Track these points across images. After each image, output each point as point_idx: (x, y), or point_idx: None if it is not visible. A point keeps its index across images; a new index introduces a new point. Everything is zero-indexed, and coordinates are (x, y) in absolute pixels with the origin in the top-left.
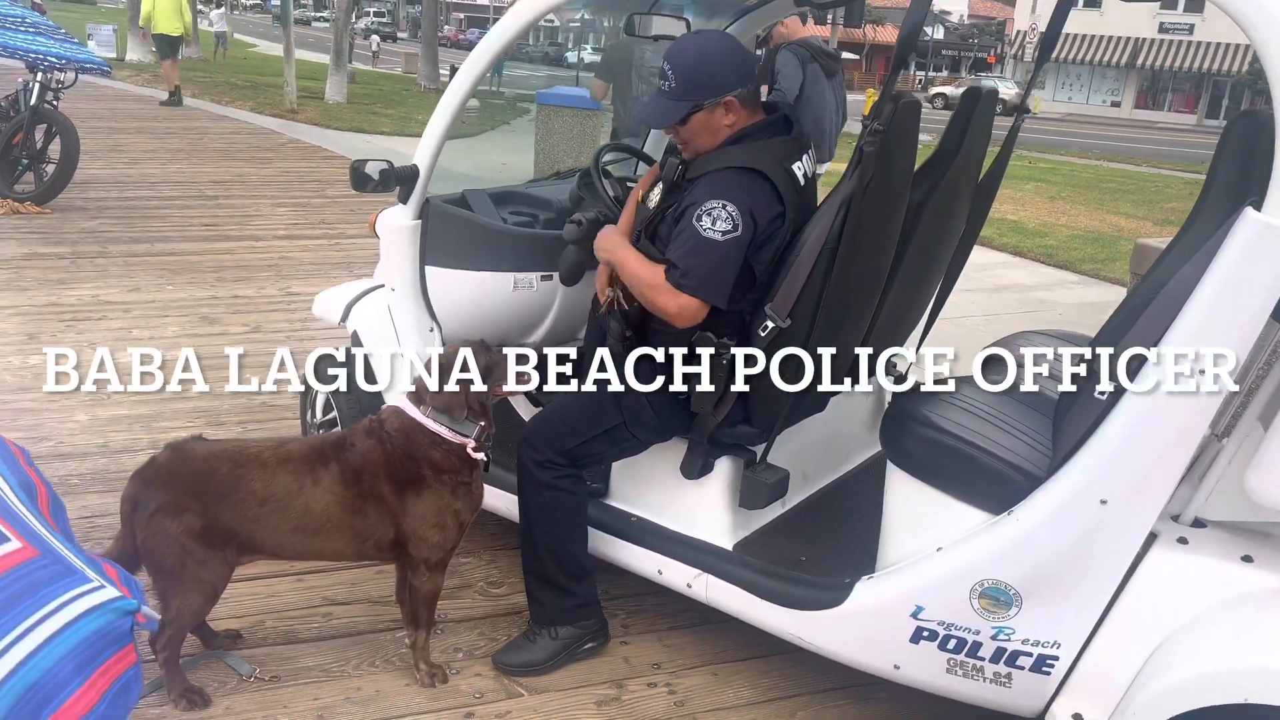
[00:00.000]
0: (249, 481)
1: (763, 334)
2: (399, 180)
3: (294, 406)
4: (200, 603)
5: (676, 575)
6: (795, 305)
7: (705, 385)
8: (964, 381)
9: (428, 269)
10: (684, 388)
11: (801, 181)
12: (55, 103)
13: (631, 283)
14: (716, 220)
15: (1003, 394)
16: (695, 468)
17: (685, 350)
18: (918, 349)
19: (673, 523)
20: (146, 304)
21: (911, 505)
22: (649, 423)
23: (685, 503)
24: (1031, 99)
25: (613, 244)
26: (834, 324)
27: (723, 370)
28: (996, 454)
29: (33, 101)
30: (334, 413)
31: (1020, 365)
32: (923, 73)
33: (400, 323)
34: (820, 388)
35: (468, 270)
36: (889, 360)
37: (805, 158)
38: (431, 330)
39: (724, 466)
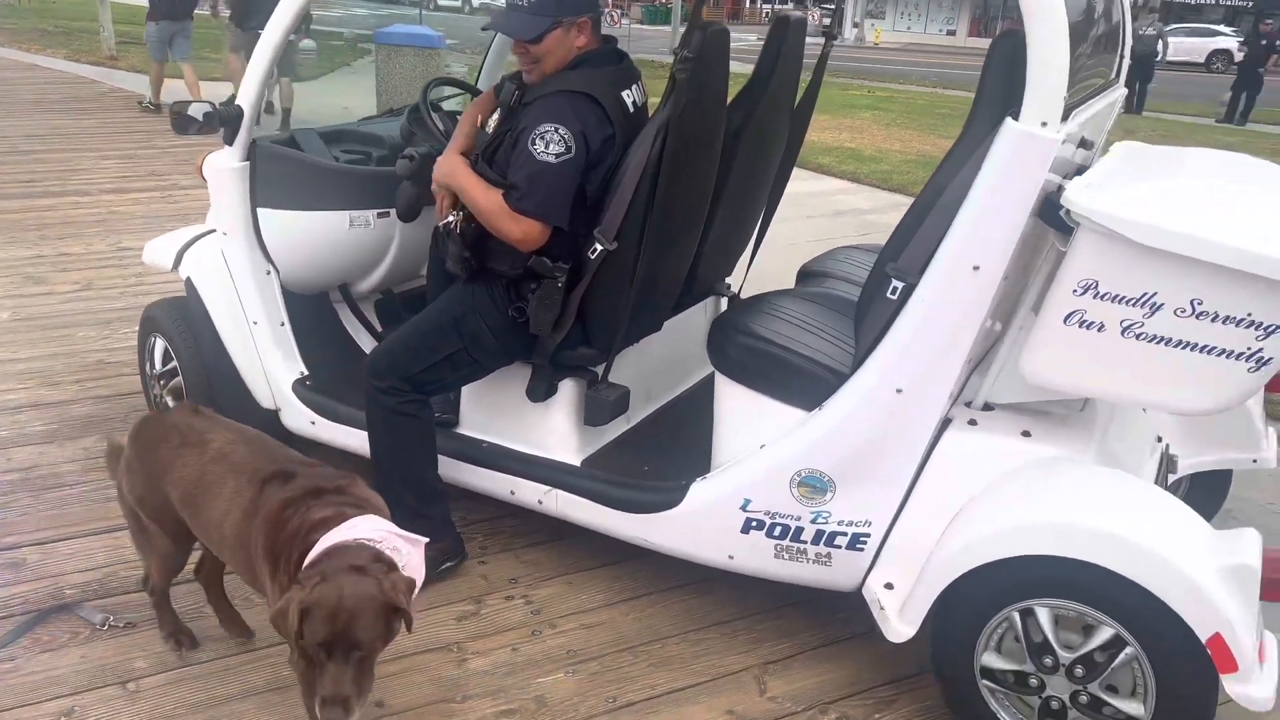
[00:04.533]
0: (182, 462)
1: (592, 256)
2: (223, 121)
3: (131, 362)
4: (157, 563)
5: (528, 493)
6: (621, 228)
7: (543, 309)
8: (783, 293)
9: (260, 211)
10: (521, 313)
11: (631, 109)
12: None
13: (475, 208)
14: (550, 143)
15: (816, 302)
16: (540, 390)
17: (521, 273)
18: (747, 269)
19: (522, 445)
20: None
21: (737, 408)
22: (489, 347)
23: (533, 425)
24: (872, 31)
25: (452, 167)
26: (660, 246)
27: (557, 293)
28: (807, 355)
29: None
30: (174, 362)
31: (832, 276)
32: (769, 5)
33: (235, 267)
34: (653, 309)
35: (301, 210)
36: (722, 283)
37: (635, 87)
38: (269, 273)
39: (568, 388)
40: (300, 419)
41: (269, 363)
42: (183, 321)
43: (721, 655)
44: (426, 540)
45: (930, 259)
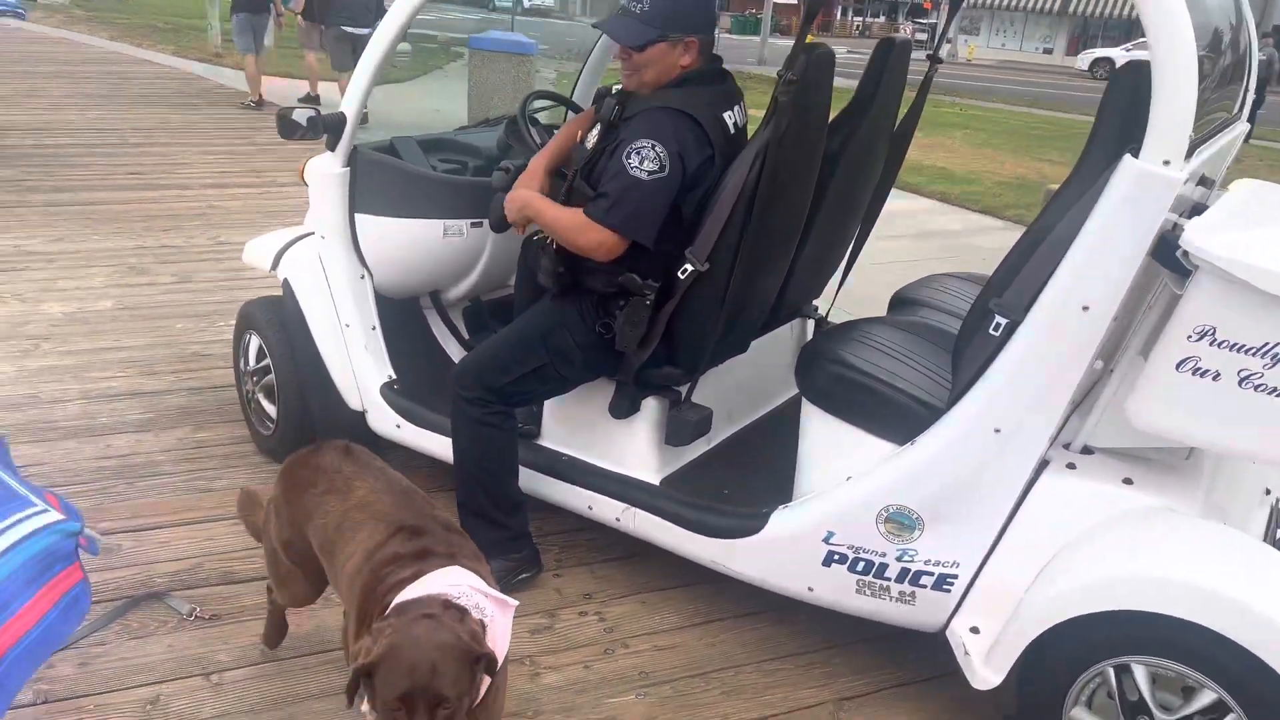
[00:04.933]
0: (325, 510)
1: (682, 276)
2: (326, 128)
3: (225, 355)
4: (288, 597)
5: (606, 510)
6: (714, 250)
7: (630, 326)
8: (875, 321)
9: (357, 216)
10: (609, 330)
11: (731, 130)
12: None
13: (550, 228)
14: (645, 159)
15: (910, 332)
16: (623, 407)
17: (613, 291)
18: (836, 292)
19: (602, 460)
20: (71, 254)
21: (823, 438)
22: (575, 362)
23: (614, 441)
24: (966, 47)
25: (524, 200)
26: (752, 268)
27: (645, 310)
28: (900, 388)
29: None
30: (267, 359)
31: (927, 305)
32: (860, 18)
33: (331, 270)
34: (740, 330)
35: (397, 218)
36: (810, 306)
37: (737, 108)
38: (362, 278)
39: (651, 406)
40: (386, 422)
41: (359, 365)
42: (277, 321)
43: (796, 687)
44: (517, 603)
45: (1037, 296)
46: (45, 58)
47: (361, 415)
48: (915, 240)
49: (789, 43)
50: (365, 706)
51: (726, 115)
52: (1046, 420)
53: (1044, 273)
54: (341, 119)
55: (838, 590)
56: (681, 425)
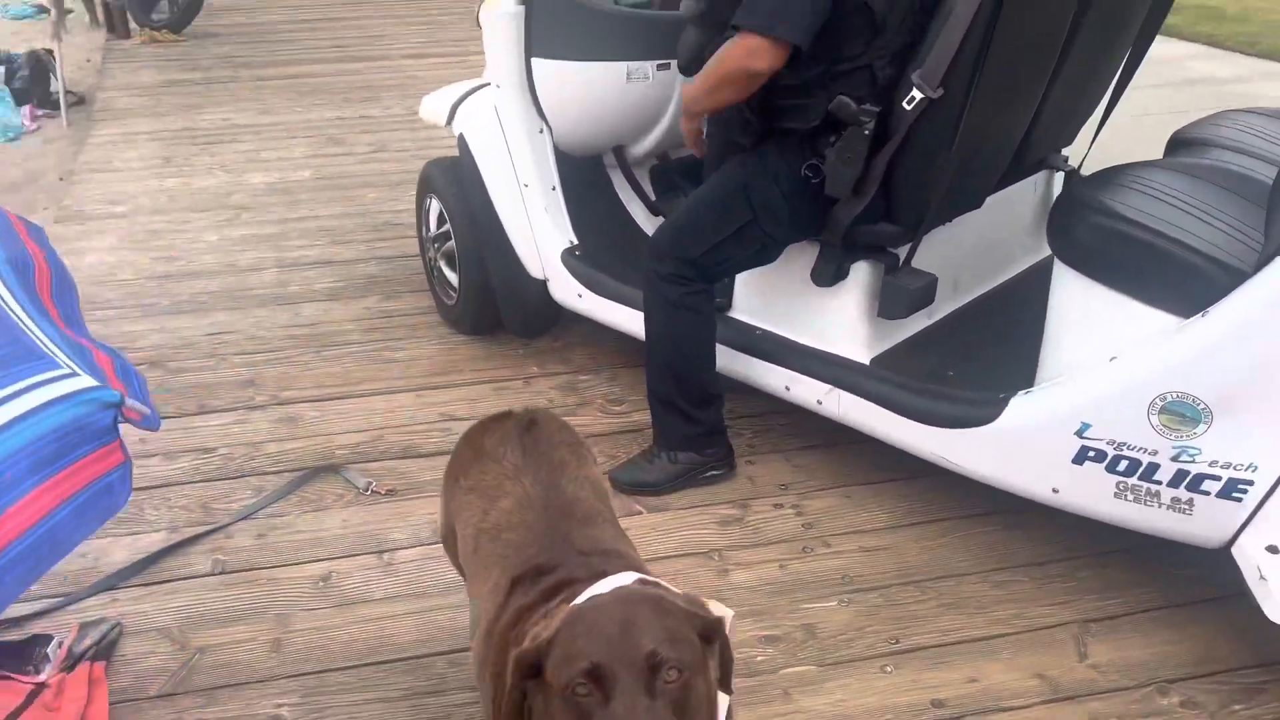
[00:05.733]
0: (467, 516)
1: (908, 106)
2: None
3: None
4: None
5: (806, 391)
6: (948, 73)
7: (843, 164)
8: (1151, 165)
9: (533, 61)
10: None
11: None
12: None
13: (709, 88)
14: None
15: (1199, 176)
16: (828, 273)
17: (819, 125)
18: (1092, 141)
19: (803, 336)
20: (275, 126)
21: (1082, 307)
22: (782, 217)
23: (818, 313)
24: None
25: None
26: (995, 99)
27: (862, 143)
28: (1188, 244)
29: None
30: (447, 225)
31: (1219, 145)
32: None
33: (508, 124)
34: (974, 180)
35: (575, 61)
36: (1059, 156)
37: None
38: (541, 132)
39: (861, 272)
40: (567, 291)
41: (539, 229)
42: (456, 182)
43: (1030, 604)
44: (733, 614)
45: None
46: None
47: (543, 284)
48: (1176, 90)
49: None
50: None
51: None
52: None
53: None
54: None
55: (1091, 493)
56: (898, 294)
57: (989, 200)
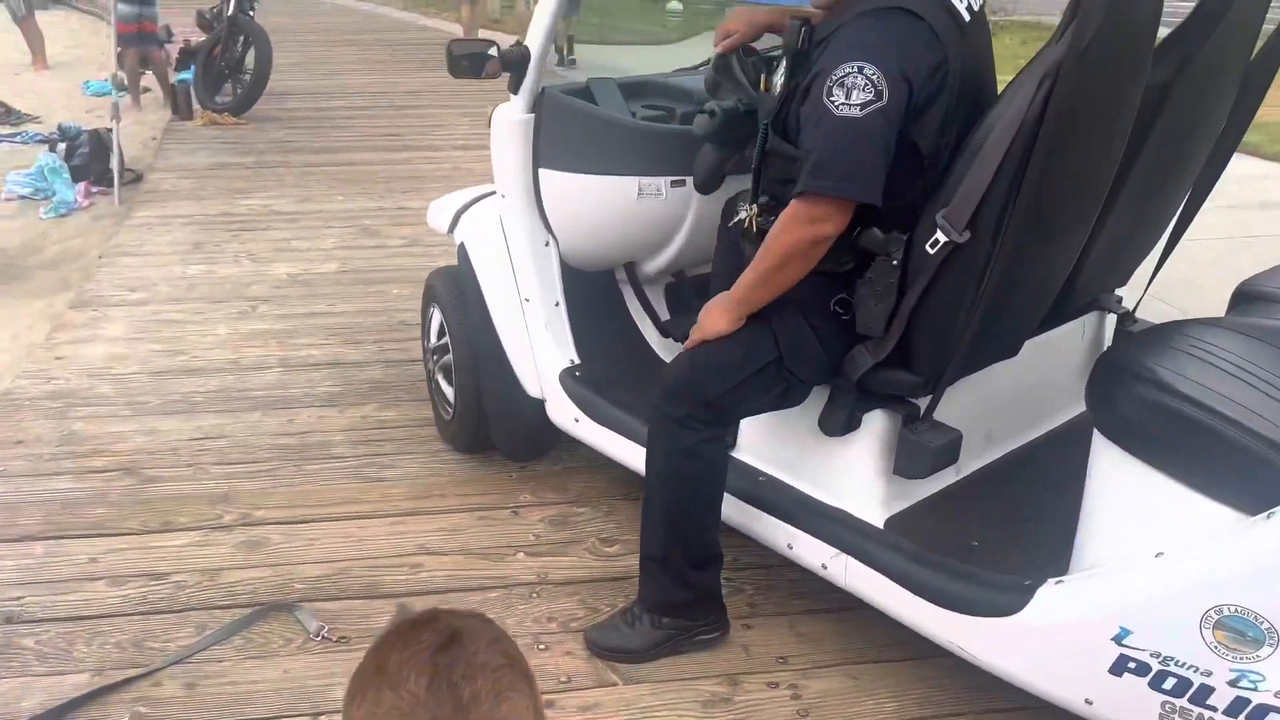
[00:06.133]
0: None
1: (931, 250)
2: (505, 65)
3: None
4: None
5: (809, 552)
6: (976, 214)
7: (874, 298)
8: (1209, 324)
9: (541, 172)
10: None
11: (966, 17)
12: (251, 12)
13: (771, 267)
14: (852, 90)
15: (1267, 342)
16: (839, 422)
17: (848, 265)
18: (1150, 279)
19: (811, 487)
20: (313, 214)
21: (1125, 491)
22: (811, 355)
23: (827, 464)
24: None
25: (714, 306)
26: (1031, 243)
27: (893, 274)
28: (1252, 428)
29: (230, 12)
30: (446, 338)
31: None
32: None
33: (512, 235)
34: (1007, 327)
35: (584, 174)
36: (1111, 296)
37: None
38: (547, 245)
39: (876, 421)
40: (564, 413)
41: (539, 345)
42: (455, 292)
43: None
44: None
45: None
46: (336, 28)
47: (541, 404)
48: (1252, 213)
49: None
50: None
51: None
52: None
53: None
54: (524, 54)
55: (1131, 710)
56: (916, 451)
57: (1028, 345)
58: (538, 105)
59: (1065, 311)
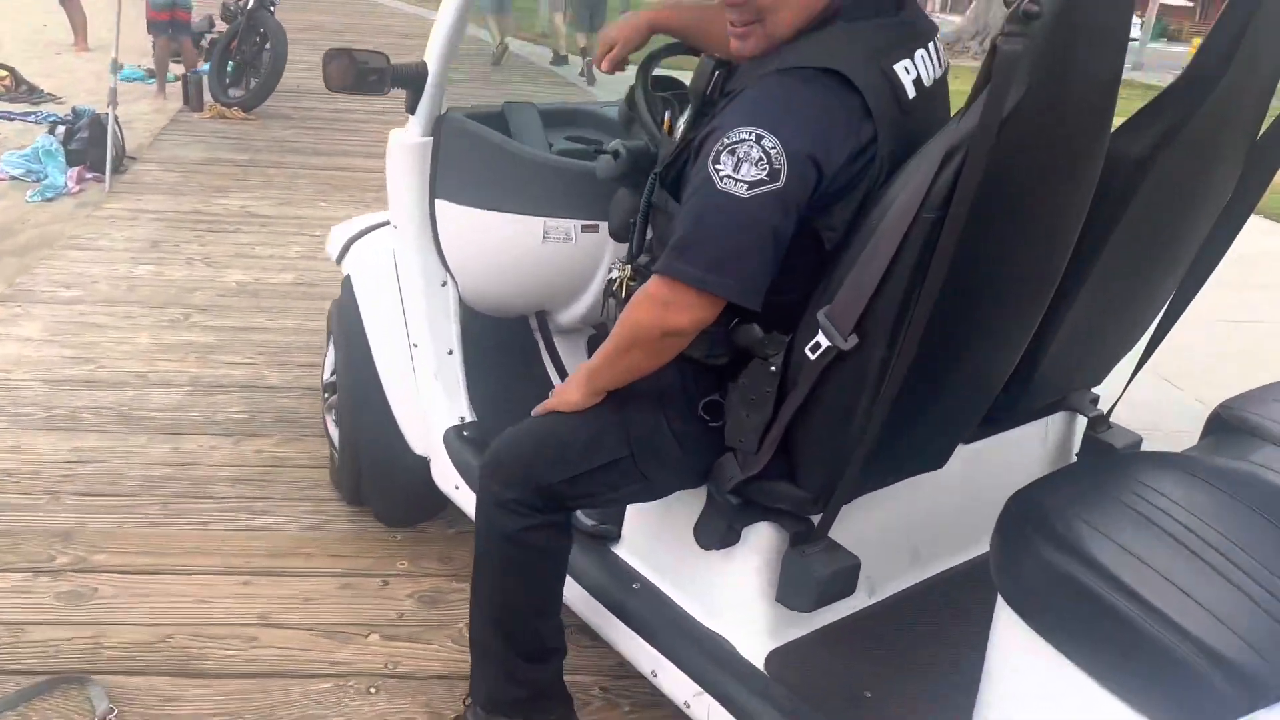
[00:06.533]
0: None
1: (812, 355)
2: (397, 81)
3: None
4: None
5: (673, 685)
6: (865, 316)
7: (747, 407)
8: (1164, 462)
9: (438, 203)
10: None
11: (911, 92)
12: (272, 8)
13: (611, 356)
14: (743, 163)
15: (1235, 496)
16: (715, 534)
17: (722, 358)
18: (1129, 381)
19: (690, 602)
20: (289, 219)
21: (1025, 674)
22: (670, 460)
23: (709, 578)
24: None
25: (569, 385)
26: (945, 347)
27: (771, 381)
28: (1182, 624)
29: (250, 6)
30: (335, 375)
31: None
32: None
33: (404, 272)
34: (919, 438)
35: (484, 209)
36: (1084, 395)
37: (923, 54)
38: (444, 285)
39: (762, 535)
40: (445, 478)
41: (427, 398)
42: (343, 329)
43: None
44: None
45: None
46: (381, 29)
47: (426, 463)
48: (1266, 294)
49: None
50: None
51: (903, 67)
52: None
53: None
54: (420, 71)
55: None
56: (802, 580)
57: (971, 450)
58: (436, 129)
59: (1021, 412)
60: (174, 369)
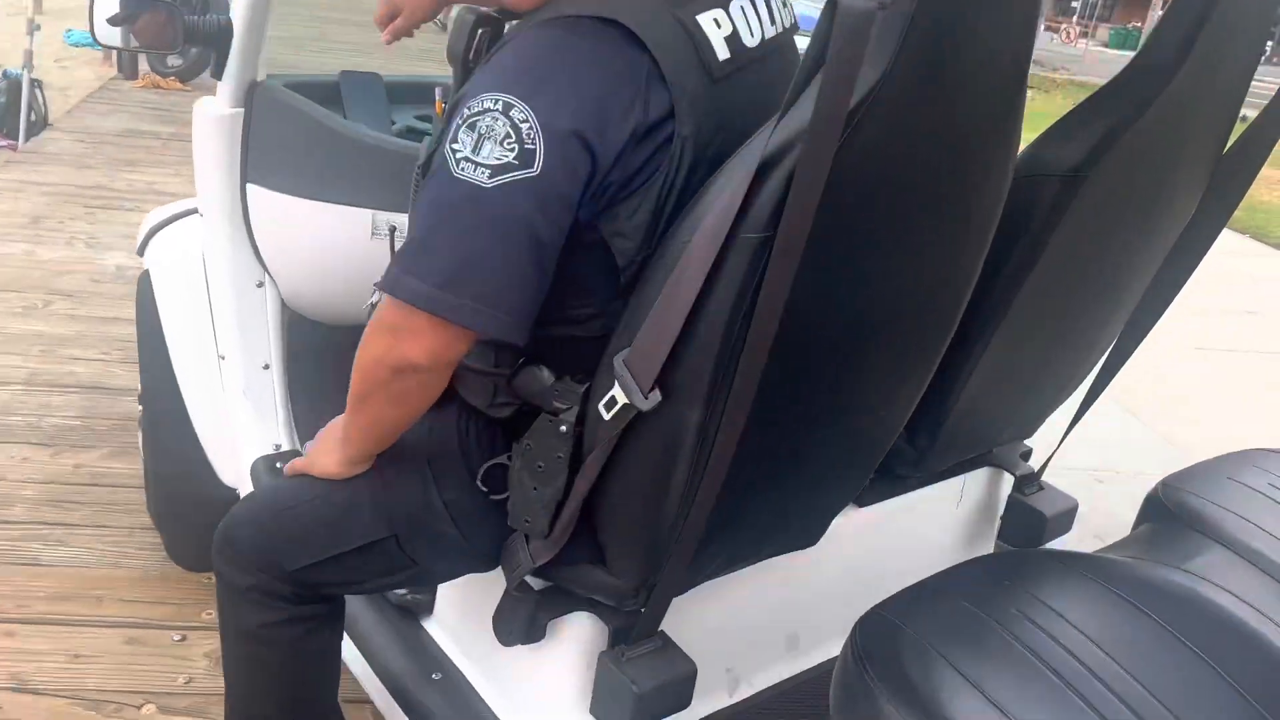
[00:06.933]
0: None
1: (606, 412)
2: (196, 36)
3: None
4: None
5: None
6: (670, 367)
7: (533, 477)
8: (1068, 564)
9: (249, 188)
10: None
11: (722, 52)
12: None
13: (352, 404)
14: (484, 140)
15: (1152, 617)
16: (516, 628)
17: (507, 409)
18: (1066, 433)
19: (497, 701)
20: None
21: None
22: (444, 544)
23: (519, 673)
24: None
25: (323, 443)
26: (787, 411)
27: (563, 444)
28: None
29: None
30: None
31: (1225, 540)
32: None
33: (213, 269)
34: (782, 513)
35: (302, 197)
36: (1012, 450)
37: (747, 2)
38: (260, 286)
39: (577, 627)
40: None
41: (236, 419)
42: (141, 331)
43: None
44: None
45: None
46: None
47: (235, 496)
48: (1244, 320)
49: None
50: None
51: (711, 18)
52: None
53: None
54: (225, 28)
55: None
56: (619, 692)
57: (865, 514)
58: (248, 99)
59: (930, 469)
60: (11, 364)
